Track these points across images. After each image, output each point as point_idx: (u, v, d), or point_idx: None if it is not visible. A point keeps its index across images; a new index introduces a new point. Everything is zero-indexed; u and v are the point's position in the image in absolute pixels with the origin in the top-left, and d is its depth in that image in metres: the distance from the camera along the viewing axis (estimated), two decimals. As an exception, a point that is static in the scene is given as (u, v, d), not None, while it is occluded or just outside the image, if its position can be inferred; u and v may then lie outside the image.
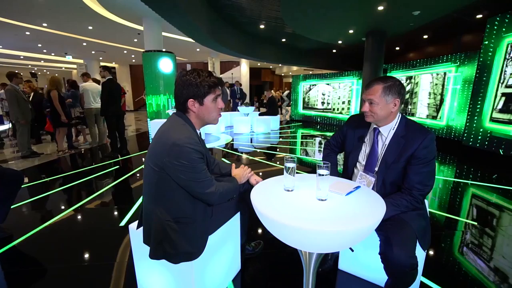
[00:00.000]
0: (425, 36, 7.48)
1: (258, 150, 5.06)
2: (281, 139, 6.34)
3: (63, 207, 2.52)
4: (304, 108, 10.11)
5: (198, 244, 1.11)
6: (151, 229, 1.09)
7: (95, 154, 4.84)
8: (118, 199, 2.80)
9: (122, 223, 2.18)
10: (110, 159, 4.31)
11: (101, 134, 5.54)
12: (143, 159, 4.38)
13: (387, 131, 1.29)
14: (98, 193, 2.86)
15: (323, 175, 0.99)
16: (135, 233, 1.28)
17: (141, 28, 7.55)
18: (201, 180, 1.06)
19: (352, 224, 0.87)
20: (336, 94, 8.95)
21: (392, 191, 1.27)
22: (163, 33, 7.64)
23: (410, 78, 6.57)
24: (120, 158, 4.37)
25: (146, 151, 4.36)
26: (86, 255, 1.77)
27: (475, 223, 2.20)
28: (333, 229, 0.84)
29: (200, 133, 1.24)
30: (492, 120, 4.47)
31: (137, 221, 1.33)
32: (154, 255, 1.08)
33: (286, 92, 12.27)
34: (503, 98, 4.35)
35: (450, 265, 1.69)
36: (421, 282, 1.49)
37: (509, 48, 4.27)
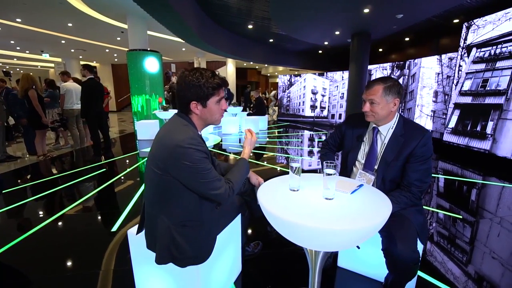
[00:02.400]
0: (407, 39, 7.79)
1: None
2: (269, 139, 6.37)
3: (47, 214, 2.38)
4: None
5: (206, 247, 1.09)
6: (156, 234, 1.06)
7: (78, 157, 4.63)
8: (108, 204, 2.69)
9: (114, 228, 2.09)
10: (94, 162, 4.13)
11: (81, 136, 5.30)
12: (125, 161, 4.25)
13: (386, 130, 1.33)
14: (85, 198, 2.73)
15: (330, 174, 1.00)
16: (135, 239, 1.24)
17: (125, 26, 7.31)
18: (208, 181, 1.01)
19: (361, 222, 0.88)
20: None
21: (392, 188, 1.31)
22: (147, 32, 7.44)
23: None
24: (105, 161, 4.20)
25: (132, 153, 4.18)
26: (77, 264, 1.68)
27: (460, 216, 2.32)
28: (344, 227, 0.85)
29: (200, 135, 1.22)
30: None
31: (135, 226, 1.28)
32: (160, 260, 1.04)
33: (273, 92, 12.35)
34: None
35: (439, 257, 1.76)
36: (418, 276, 1.54)
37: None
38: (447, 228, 2.16)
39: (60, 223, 2.23)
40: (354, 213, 0.94)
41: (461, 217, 2.32)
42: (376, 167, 1.34)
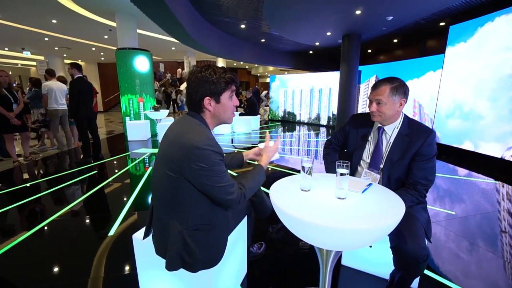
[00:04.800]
0: (395, 40, 7.99)
1: (236, 151, 5.04)
2: (262, 139, 6.37)
3: (33, 221, 2.27)
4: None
5: (217, 250, 1.07)
6: (167, 239, 1.02)
7: (64, 159, 4.45)
8: (102, 207, 2.60)
9: (111, 233, 2.02)
10: (84, 164, 3.99)
11: (68, 137, 5.09)
12: (115, 162, 4.13)
13: (391, 130, 1.35)
14: (77, 202, 2.63)
15: (344, 174, 1.00)
16: (140, 244, 1.20)
17: (113, 24, 7.10)
18: (222, 185, 0.98)
19: (377, 222, 0.89)
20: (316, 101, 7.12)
21: (397, 186, 1.33)
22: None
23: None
24: (95, 163, 4.07)
25: (123, 154, 4.04)
26: (76, 270, 1.61)
27: (453, 212, 2.39)
28: (361, 227, 0.85)
29: None
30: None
31: (140, 231, 1.24)
32: (171, 267, 1.00)
33: (264, 92, 12.38)
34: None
35: (437, 253, 1.82)
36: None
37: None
38: (442, 224, 2.22)
39: (51, 229, 2.13)
40: (369, 212, 0.95)
41: (454, 213, 2.40)
42: (381, 166, 1.36)
